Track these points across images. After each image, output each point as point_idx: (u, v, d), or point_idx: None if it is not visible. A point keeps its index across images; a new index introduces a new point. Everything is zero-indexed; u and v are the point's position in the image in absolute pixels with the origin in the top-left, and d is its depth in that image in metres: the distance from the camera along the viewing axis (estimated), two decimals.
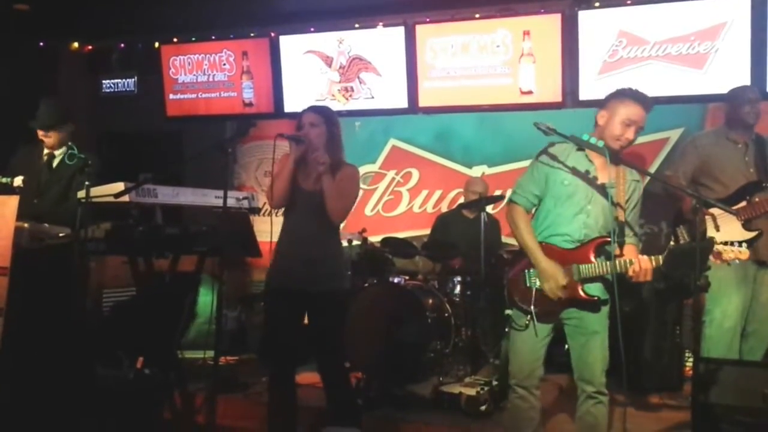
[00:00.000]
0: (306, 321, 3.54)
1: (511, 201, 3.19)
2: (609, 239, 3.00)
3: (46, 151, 4.39)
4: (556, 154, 3.10)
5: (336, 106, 6.08)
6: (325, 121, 3.45)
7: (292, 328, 3.46)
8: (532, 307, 3.04)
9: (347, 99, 6.31)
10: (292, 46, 6.43)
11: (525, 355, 3.13)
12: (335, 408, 3.49)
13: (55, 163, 4.37)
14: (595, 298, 3.03)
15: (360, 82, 6.25)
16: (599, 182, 3.05)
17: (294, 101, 6.39)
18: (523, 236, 3.09)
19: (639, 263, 2.93)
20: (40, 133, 4.33)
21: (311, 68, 6.38)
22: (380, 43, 6.14)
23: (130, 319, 4.55)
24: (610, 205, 3.03)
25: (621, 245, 3.01)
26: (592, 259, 3.01)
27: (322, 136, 3.42)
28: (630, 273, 2.95)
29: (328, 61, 6.32)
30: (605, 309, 3.10)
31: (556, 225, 3.08)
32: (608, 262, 2.98)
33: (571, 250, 3.04)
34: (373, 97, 6.23)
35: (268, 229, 3.46)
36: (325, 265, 3.42)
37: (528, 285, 3.08)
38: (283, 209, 3.54)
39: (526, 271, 3.10)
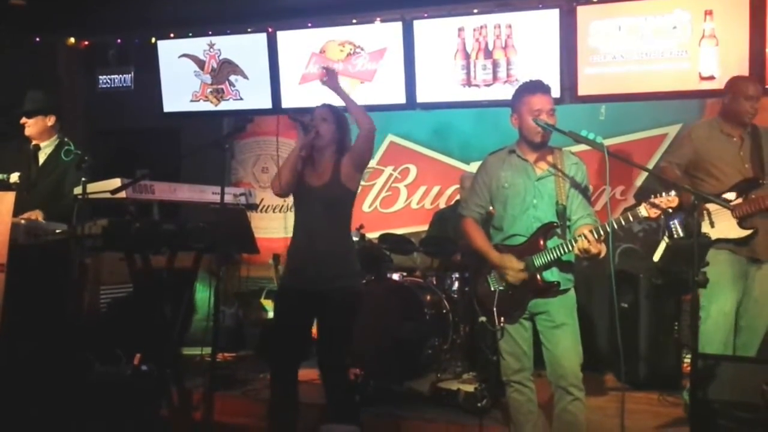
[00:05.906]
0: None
1: (460, 215, 3.38)
2: (554, 224, 3.10)
3: (33, 143, 4.32)
4: (490, 163, 3.30)
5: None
6: (336, 121, 3.48)
7: (299, 325, 3.46)
8: (494, 308, 3.13)
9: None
10: (290, 41, 6.40)
11: (509, 354, 3.22)
12: (334, 405, 3.48)
13: (41, 157, 4.30)
14: (554, 282, 3.10)
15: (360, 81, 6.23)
16: (537, 175, 3.16)
17: (291, 97, 6.37)
18: (475, 241, 3.27)
19: (585, 240, 2.95)
20: (22, 120, 4.28)
21: (308, 64, 6.36)
22: (378, 38, 6.12)
23: (127, 316, 4.54)
24: (556, 194, 3.13)
25: (570, 228, 3.12)
26: (542, 246, 3.10)
27: (330, 133, 3.44)
28: (575, 251, 3.00)
29: (324, 56, 6.30)
30: (572, 301, 3.17)
31: (510, 226, 3.21)
32: (558, 245, 3.06)
33: (524, 244, 3.15)
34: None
35: (266, 225, 3.45)
36: (336, 262, 3.41)
37: (492, 289, 3.19)
38: (292, 207, 3.54)
39: (488, 276, 3.22)
